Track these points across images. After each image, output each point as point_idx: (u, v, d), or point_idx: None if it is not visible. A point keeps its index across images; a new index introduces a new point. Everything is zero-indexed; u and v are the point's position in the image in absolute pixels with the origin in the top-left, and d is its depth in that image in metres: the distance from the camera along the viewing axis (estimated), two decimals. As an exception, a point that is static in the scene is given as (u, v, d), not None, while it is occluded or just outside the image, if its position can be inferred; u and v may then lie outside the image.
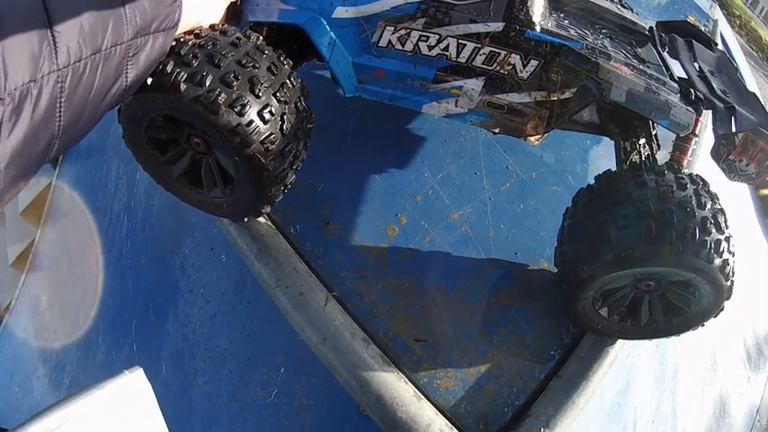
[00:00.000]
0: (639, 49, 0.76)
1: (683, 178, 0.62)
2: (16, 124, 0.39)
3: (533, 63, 0.64)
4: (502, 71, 0.65)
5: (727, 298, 0.65)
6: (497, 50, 0.64)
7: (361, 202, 0.74)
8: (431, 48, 0.65)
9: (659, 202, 0.60)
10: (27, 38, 0.39)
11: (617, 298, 0.70)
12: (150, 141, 0.70)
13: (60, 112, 0.43)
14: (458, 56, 0.65)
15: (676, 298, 0.68)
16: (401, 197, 0.74)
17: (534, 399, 0.71)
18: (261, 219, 0.76)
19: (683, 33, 0.80)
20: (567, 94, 0.65)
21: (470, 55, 0.64)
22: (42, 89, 0.40)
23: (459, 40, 0.64)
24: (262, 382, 0.82)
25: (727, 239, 0.61)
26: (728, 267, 0.62)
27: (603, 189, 0.66)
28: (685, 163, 0.71)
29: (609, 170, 0.68)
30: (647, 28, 0.80)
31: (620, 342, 0.76)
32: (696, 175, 0.64)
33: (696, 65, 0.74)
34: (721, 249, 0.60)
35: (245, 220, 0.74)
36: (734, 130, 0.66)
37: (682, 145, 0.71)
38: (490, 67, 0.65)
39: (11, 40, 0.38)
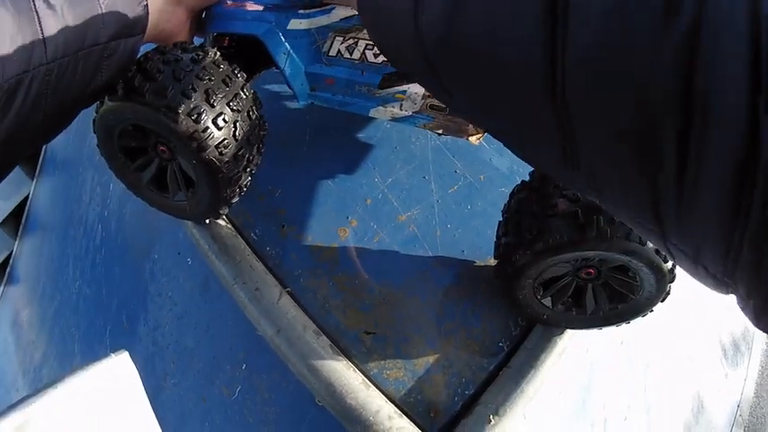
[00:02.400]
0: None
1: None
2: (8, 113, 0.45)
3: None
4: None
5: (671, 281, 0.68)
6: None
7: (315, 206, 0.81)
8: (376, 55, 0.71)
9: None
10: (21, 32, 0.45)
11: (559, 287, 0.75)
12: (122, 150, 0.78)
13: (45, 103, 0.50)
14: None
15: (619, 284, 0.71)
16: (352, 201, 0.80)
17: (484, 389, 0.75)
18: (222, 222, 0.83)
19: None
20: None
21: None
22: (33, 80, 0.47)
23: None
24: (226, 380, 0.87)
25: None
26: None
27: (535, 182, 0.72)
28: None
29: None
30: None
31: (569, 333, 0.82)
32: None
33: None
34: None
35: (207, 221, 0.81)
36: None
37: None
38: None
39: (6, 34, 0.44)
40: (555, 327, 0.80)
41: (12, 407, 0.52)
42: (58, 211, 1.16)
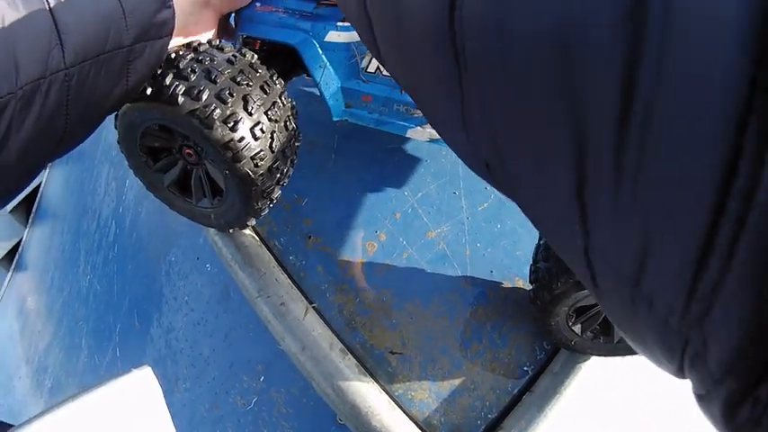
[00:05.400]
0: None
1: None
2: (26, 120, 0.44)
3: None
4: None
5: None
6: None
7: (343, 217, 0.80)
8: None
9: None
10: (36, 36, 0.44)
11: (590, 315, 0.76)
12: (144, 148, 0.77)
13: (67, 109, 0.48)
14: None
15: None
16: (381, 214, 0.80)
17: (507, 413, 0.76)
18: (246, 231, 0.82)
19: None
20: None
21: None
22: (51, 86, 0.45)
23: None
24: (242, 390, 0.88)
25: None
26: None
27: None
28: None
29: None
30: None
31: (595, 360, 0.82)
32: None
33: None
34: None
35: (231, 231, 0.80)
36: None
37: None
38: None
39: (20, 39, 0.43)
40: (581, 353, 0.80)
41: (32, 419, 0.53)
42: (70, 201, 1.16)
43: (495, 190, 0.86)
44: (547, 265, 0.70)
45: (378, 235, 0.79)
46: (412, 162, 0.84)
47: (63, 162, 1.18)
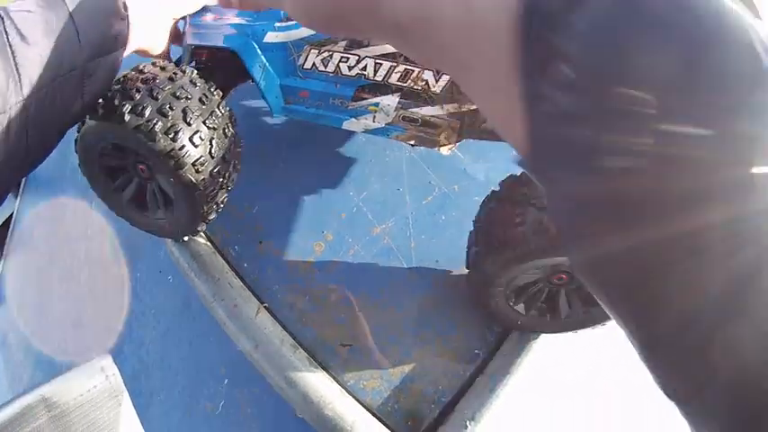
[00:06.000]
0: None
1: None
2: None
3: (445, 78, 0.73)
4: (416, 87, 0.74)
5: None
6: (411, 68, 0.73)
7: (291, 221, 0.85)
8: (351, 68, 0.75)
9: None
10: None
11: (531, 294, 0.79)
12: (102, 169, 0.82)
13: (27, 134, 0.51)
14: (375, 74, 0.74)
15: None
16: (327, 215, 0.85)
17: (461, 396, 0.79)
18: (201, 240, 0.87)
19: None
20: (476, 105, 0.75)
21: (386, 73, 0.74)
22: (11, 118, 0.48)
23: (377, 60, 0.74)
24: (210, 395, 0.91)
25: None
26: None
27: (505, 191, 0.75)
28: None
29: (512, 174, 0.75)
30: None
31: (546, 338, 0.85)
32: None
33: None
34: None
35: (186, 239, 0.85)
36: None
37: None
38: (405, 84, 0.74)
39: None
40: (530, 332, 0.84)
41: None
42: (42, 229, 1.20)
43: (440, 183, 0.90)
44: (477, 249, 0.74)
45: (325, 235, 0.84)
46: (357, 163, 0.89)
47: (33, 190, 1.24)
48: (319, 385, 0.74)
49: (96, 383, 0.65)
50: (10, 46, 0.49)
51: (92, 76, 0.58)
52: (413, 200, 0.88)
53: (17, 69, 0.49)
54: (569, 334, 0.84)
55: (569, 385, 0.87)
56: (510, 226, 0.70)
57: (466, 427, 0.75)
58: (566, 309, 0.80)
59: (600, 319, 0.80)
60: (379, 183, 0.88)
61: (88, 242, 1.10)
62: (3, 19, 0.49)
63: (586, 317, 0.80)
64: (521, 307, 0.80)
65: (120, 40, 0.61)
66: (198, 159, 0.73)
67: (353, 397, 0.76)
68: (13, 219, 1.28)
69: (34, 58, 0.50)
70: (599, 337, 0.91)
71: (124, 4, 0.60)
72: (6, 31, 0.49)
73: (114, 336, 1.10)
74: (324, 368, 0.77)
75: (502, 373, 0.81)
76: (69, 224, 1.14)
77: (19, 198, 1.27)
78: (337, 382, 0.77)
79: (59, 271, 1.18)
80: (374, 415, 0.76)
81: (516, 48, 0.18)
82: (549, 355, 0.85)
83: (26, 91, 0.49)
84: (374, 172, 0.89)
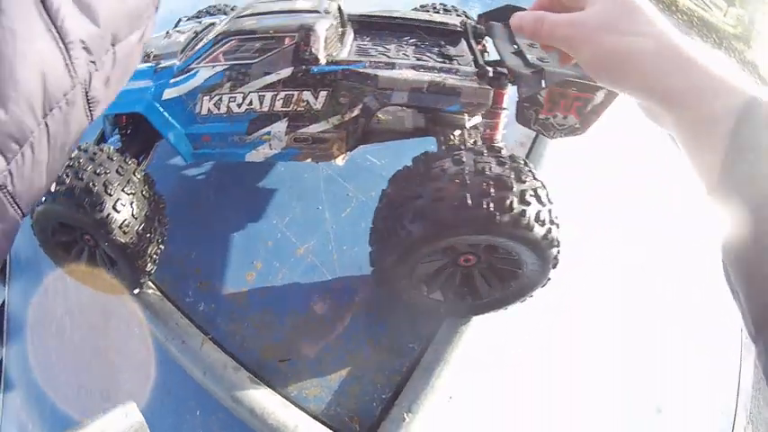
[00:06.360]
0: (450, 47, 0.89)
1: (502, 157, 0.72)
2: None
3: (323, 93, 0.81)
4: (299, 109, 0.82)
5: (554, 266, 0.76)
6: (290, 92, 0.81)
7: (225, 258, 0.94)
8: (239, 105, 0.84)
9: (476, 176, 0.69)
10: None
11: (443, 280, 0.82)
12: (58, 245, 0.94)
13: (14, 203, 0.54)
14: (261, 106, 0.83)
15: (502, 263, 0.78)
16: (256, 246, 0.93)
17: (400, 390, 0.84)
18: (151, 291, 0.97)
19: (506, 17, 0.83)
20: (356, 112, 0.81)
21: (271, 103, 0.82)
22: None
23: (260, 93, 0.82)
24: (190, 429, 0.99)
25: (549, 211, 0.71)
26: (551, 236, 0.72)
27: (391, 190, 0.78)
28: (499, 137, 0.83)
29: (398, 170, 0.79)
30: (460, 24, 0.92)
31: (478, 321, 0.89)
32: (517, 156, 0.74)
33: (515, 44, 0.79)
34: (542, 219, 0.70)
35: (136, 291, 0.95)
36: (542, 87, 0.72)
37: (490, 122, 0.82)
38: (289, 108, 0.82)
39: None
40: (459, 317, 0.88)
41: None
42: (31, 311, 1.32)
43: (357, 194, 0.97)
44: (373, 248, 0.80)
45: (255, 265, 0.93)
46: (278, 191, 0.98)
47: (18, 275, 1.36)
48: (262, 399, 0.82)
49: (122, 428, 0.73)
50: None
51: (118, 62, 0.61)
52: (332, 215, 0.96)
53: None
54: (500, 318, 0.89)
55: (502, 367, 0.90)
56: (394, 220, 0.75)
57: (404, 419, 0.80)
58: (485, 287, 0.83)
59: (521, 293, 0.83)
60: (299, 205, 0.96)
61: (70, 314, 1.21)
62: None
63: (509, 293, 0.83)
64: (438, 295, 0.84)
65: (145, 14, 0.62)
66: (123, 222, 0.83)
67: (297, 406, 0.83)
68: (6, 306, 1.40)
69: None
70: (530, 319, 0.95)
71: None
72: None
73: (115, 395, 1.19)
74: (268, 384, 0.84)
75: (436, 362, 0.86)
76: (52, 300, 1.25)
77: (7, 285, 1.39)
78: (280, 394, 0.84)
79: (55, 345, 1.29)
80: (320, 420, 0.82)
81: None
82: (481, 340, 0.90)
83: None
84: (294, 196, 0.98)
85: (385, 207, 0.78)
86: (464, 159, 0.71)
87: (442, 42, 0.90)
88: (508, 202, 0.68)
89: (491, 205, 0.68)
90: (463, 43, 0.89)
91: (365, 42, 0.87)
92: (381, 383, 0.84)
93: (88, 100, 0.28)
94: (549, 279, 0.81)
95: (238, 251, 0.93)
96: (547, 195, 0.72)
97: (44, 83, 0.24)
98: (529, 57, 0.75)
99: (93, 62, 0.26)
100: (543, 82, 0.72)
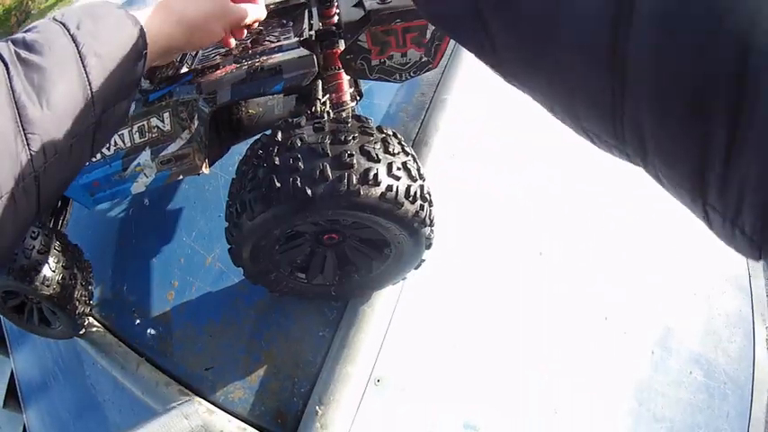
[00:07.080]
0: (295, 23, 0.87)
1: (368, 127, 0.67)
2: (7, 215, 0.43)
3: (165, 115, 0.83)
4: (153, 135, 0.84)
5: (428, 247, 0.74)
6: (142, 123, 0.84)
7: (148, 283, 1.01)
8: (108, 148, 0.87)
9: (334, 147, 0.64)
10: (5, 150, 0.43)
11: (310, 262, 0.82)
12: (12, 309, 1.05)
13: (39, 195, 0.48)
14: (124, 143, 0.86)
15: (370, 235, 0.75)
16: (171, 266, 1.00)
17: (316, 380, 0.85)
18: (95, 328, 1.06)
19: None
20: (197, 122, 0.82)
21: (130, 138, 0.85)
22: (24, 189, 0.45)
23: (119, 133, 0.85)
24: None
25: (421, 187, 0.67)
26: (423, 213, 0.68)
27: (233, 189, 0.75)
28: (347, 97, 0.80)
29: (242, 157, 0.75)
30: None
31: (381, 298, 0.88)
32: (383, 126, 0.71)
33: None
34: (413, 195, 0.66)
35: (81, 332, 1.04)
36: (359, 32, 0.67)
37: (331, 86, 0.79)
38: (146, 138, 0.85)
39: None
40: (356, 297, 0.88)
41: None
42: (37, 376, 1.45)
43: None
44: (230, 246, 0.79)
45: (173, 284, 0.99)
46: (185, 209, 1.05)
47: (17, 344, 1.50)
48: (189, 408, 0.87)
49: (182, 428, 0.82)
50: (21, 122, 0.45)
51: (102, 127, 0.54)
52: (233, 219, 1.00)
53: (28, 147, 0.45)
54: (407, 294, 0.88)
55: (408, 346, 0.88)
56: (231, 217, 0.75)
57: (317, 413, 0.81)
58: (367, 264, 0.80)
59: (407, 265, 0.79)
60: (203, 218, 1.02)
61: (63, 372, 1.32)
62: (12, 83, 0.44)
63: (392, 266, 0.79)
64: (320, 279, 0.82)
65: (133, 86, 0.56)
66: (43, 278, 0.92)
67: (224, 410, 0.87)
68: (15, 375, 1.55)
69: (47, 128, 0.47)
70: (434, 293, 0.93)
71: (143, 37, 0.55)
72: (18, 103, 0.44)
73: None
74: (198, 393, 0.89)
75: (341, 350, 0.85)
76: (52, 362, 1.37)
77: (11, 355, 1.54)
78: (209, 401, 0.88)
79: (64, 404, 1.41)
80: (246, 421, 0.86)
81: None
82: (383, 318, 0.88)
83: (37, 164, 0.47)
84: (198, 210, 1.04)
85: (230, 206, 0.76)
86: (292, 134, 0.67)
87: (285, 21, 0.90)
88: (372, 174, 0.64)
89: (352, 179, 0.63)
90: (305, 14, 0.86)
91: (208, 49, 0.89)
92: (298, 377, 0.86)
93: None
94: (424, 260, 0.79)
95: (159, 273, 1.00)
96: (418, 170, 0.69)
97: None
98: (367, 4, 0.70)
99: None
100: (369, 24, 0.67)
